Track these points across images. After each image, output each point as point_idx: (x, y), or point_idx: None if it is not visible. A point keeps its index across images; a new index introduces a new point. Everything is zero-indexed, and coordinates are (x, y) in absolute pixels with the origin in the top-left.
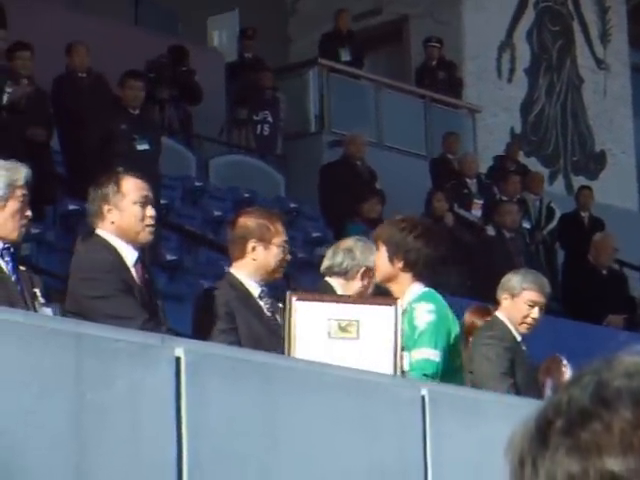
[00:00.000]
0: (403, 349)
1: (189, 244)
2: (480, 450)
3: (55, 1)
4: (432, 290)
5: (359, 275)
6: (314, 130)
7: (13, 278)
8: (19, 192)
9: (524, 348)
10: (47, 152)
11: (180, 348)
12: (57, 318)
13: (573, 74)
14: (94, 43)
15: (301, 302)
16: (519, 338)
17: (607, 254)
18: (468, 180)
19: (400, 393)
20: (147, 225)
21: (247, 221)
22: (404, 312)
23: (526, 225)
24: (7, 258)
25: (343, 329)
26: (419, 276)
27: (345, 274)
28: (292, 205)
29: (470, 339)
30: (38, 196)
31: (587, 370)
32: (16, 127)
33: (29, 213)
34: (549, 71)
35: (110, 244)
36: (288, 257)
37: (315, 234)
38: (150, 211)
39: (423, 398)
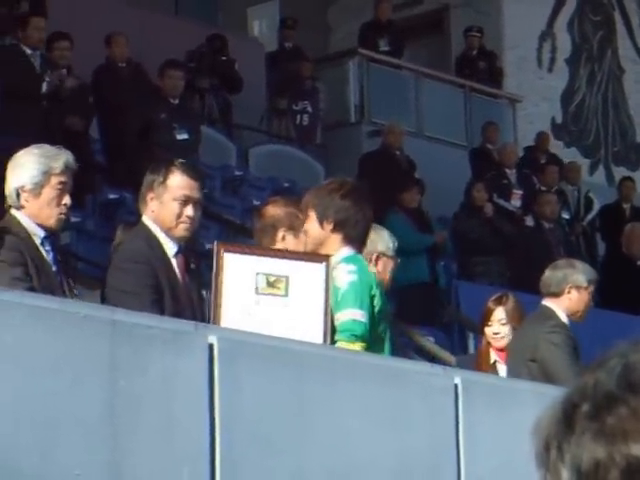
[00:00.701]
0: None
1: (228, 233)
2: (513, 438)
3: None
4: (358, 255)
5: (372, 262)
6: (354, 120)
7: (54, 268)
8: (55, 180)
9: None
10: (85, 141)
11: (213, 335)
12: (92, 305)
13: (614, 64)
14: (134, 33)
15: (230, 254)
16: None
17: (638, 244)
18: (507, 170)
19: (433, 381)
20: (182, 222)
21: (276, 210)
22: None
23: (565, 216)
24: (47, 247)
25: (271, 285)
26: (349, 239)
27: None
28: None
29: (490, 324)
30: (77, 185)
31: (614, 353)
32: (55, 116)
33: (67, 201)
34: (590, 61)
35: (152, 233)
36: None
37: None
38: (189, 211)
39: (456, 386)
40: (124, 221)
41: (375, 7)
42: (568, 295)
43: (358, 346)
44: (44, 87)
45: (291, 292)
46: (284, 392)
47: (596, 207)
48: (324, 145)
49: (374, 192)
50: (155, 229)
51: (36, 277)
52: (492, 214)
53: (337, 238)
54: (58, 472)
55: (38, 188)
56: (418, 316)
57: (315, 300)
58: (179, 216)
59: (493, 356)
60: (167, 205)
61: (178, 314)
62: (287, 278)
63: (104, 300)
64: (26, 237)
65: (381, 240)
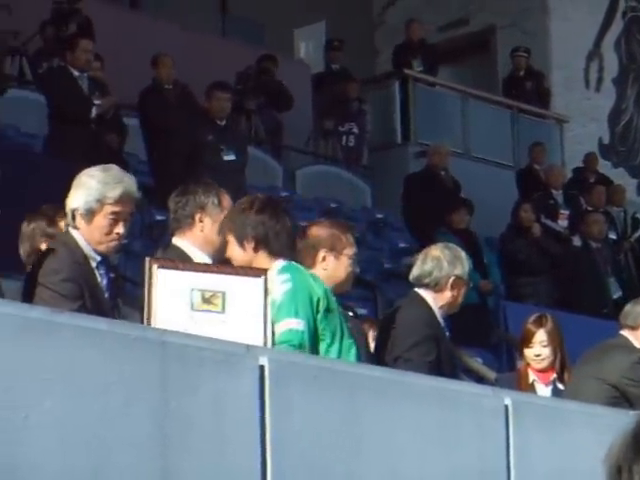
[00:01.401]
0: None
1: None
2: (564, 460)
3: (141, 13)
4: (292, 263)
5: (449, 285)
6: (400, 141)
7: (106, 294)
8: (108, 209)
9: None
10: (120, 159)
11: (264, 357)
12: (142, 326)
13: None
14: (181, 55)
15: (163, 270)
16: None
17: None
18: (554, 191)
19: (483, 402)
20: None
21: (319, 230)
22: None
23: (612, 236)
24: (102, 271)
25: (207, 301)
26: (274, 253)
27: (435, 286)
28: (378, 215)
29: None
30: None
31: None
32: (101, 137)
33: (121, 230)
34: (637, 81)
35: (185, 254)
36: (357, 269)
37: (402, 244)
38: None
39: (506, 407)
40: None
41: (406, 28)
42: None
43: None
44: (94, 111)
45: (228, 308)
46: (335, 414)
47: None
48: (370, 166)
49: (422, 213)
50: (190, 250)
51: (89, 301)
52: (540, 234)
53: (263, 255)
54: None
55: (90, 214)
56: (466, 337)
57: (253, 315)
58: None
59: (531, 376)
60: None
61: None
62: (224, 294)
63: None
64: (81, 259)
65: (460, 264)
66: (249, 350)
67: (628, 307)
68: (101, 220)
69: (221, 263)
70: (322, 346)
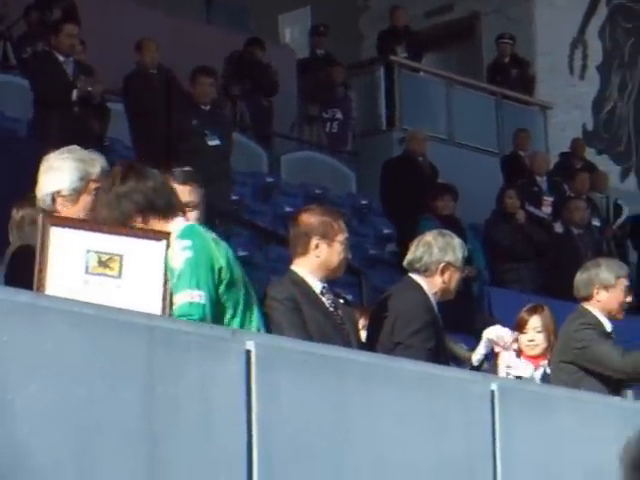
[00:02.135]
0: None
1: (260, 240)
2: (550, 445)
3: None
4: (194, 225)
5: (439, 271)
6: (385, 127)
7: None
8: (92, 186)
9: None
10: (101, 145)
11: (251, 341)
12: (129, 311)
13: None
14: (166, 40)
15: (57, 228)
16: (610, 329)
17: None
18: (538, 177)
19: (469, 388)
20: None
21: (310, 218)
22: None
23: (595, 223)
24: None
25: (103, 264)
26: (162, 212)
27: (425, 271)
28: (363, 202)
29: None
30: None
31: None
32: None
33: None
34: (621, 68)
35: None
36: (349, 255)
37: (386, 230)
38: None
39: (493, 393)
40: None
41: (391, 14)
42: (597, 297)
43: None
44: (74, 94)
45: (125, 272)
46: (322, 398)
47: (625, 214)
48: (355, 152)
49: (401, 198)
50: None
51: None
52: (524, 221)
53: (155, 222)
54: (96, 479)
55: (76, 194)
56: (450, 323)
57: (152, 282)
58: None
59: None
60: None
61: None
62: (121, 257)
63: None
64: None
65: (451, 250)
66: (235, 335)
67: (577, 277)
68: (87, 198)
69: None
70: (226, 317)
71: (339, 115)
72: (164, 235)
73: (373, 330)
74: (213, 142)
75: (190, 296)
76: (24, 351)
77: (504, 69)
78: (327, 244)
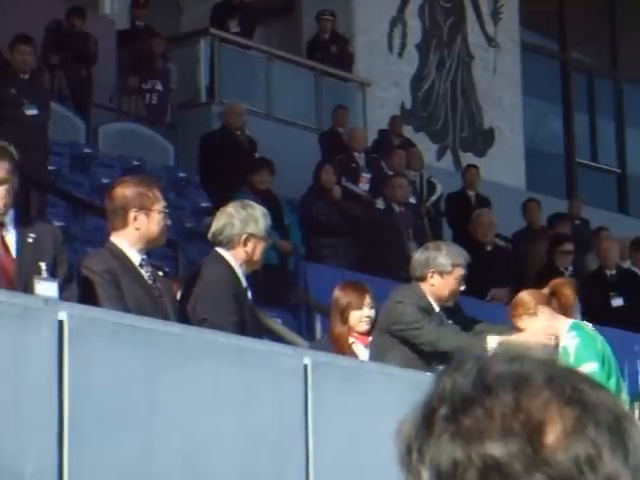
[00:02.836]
0: None
1: (76, 211)
2: (362, 419)
3: None
4: None
5: (241, 243)
6: (204, 100)
7: None
8: None
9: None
10: None
11: (64, 312)
12: None
13: (463, 51)
14: None
15: None
16: (437, 309)
17: (484, 229)
18: (356, 154)
19: (283, 361)
20: None
21: (125, 191)
22: None
23: (412, 200)
24: None
25: None
26: None
27: (228, 243)
28: (181, 174)
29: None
30: None
31: (470, 357)
32: None
33: None
34: (440, 47)
35: None
36: (169, 222)
37: (204, 204)
38: None
39: (305, 367)
40: None
41: None
42: (430, 280)
43: None
44: None
45: None
46: (134, 369)
47: (439, 191)
48: (174, 125)
49: (219, 172)
50: None
51: None
52: (340, 197)
53: None
54: None
55: None
56: (266, 298)
57: None
58: None
59: (351, 338)
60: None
61: None
62: None
63: None
64: None
65: (252, 221)
66: (47, 304)
67: (415, 257)
68: None
69: None
70: None
71: (159, 87)
72: None
73: (183, 301)
74: (30, 112)
75: None
76: None
77: (324, 45)
78: (145, 214)
